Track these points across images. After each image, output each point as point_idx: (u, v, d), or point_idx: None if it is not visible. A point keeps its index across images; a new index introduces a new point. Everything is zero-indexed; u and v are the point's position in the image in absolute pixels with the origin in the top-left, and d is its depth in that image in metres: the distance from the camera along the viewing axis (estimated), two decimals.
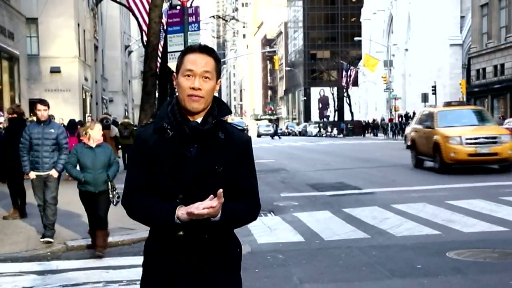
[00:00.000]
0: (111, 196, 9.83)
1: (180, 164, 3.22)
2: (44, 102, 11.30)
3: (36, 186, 11.22)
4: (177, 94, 3.37)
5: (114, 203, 9.74)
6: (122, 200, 3.39)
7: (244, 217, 3.38)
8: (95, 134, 9.96)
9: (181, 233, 3.21)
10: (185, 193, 3.21)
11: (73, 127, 22.25)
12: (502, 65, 57.51)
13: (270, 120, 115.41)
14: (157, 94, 23.48)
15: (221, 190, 3.11)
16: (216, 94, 3.40)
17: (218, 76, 3.34)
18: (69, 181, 15.71)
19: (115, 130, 26.39)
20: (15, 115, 13.87)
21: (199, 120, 3.28)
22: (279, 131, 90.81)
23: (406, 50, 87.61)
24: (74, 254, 10.35)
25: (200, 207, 3.10)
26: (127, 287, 8.05)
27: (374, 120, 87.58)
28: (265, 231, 11.90)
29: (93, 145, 9.94)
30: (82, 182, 9.86)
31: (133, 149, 3.44)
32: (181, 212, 3.15)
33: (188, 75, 3.23)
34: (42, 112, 11.06)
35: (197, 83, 3.21)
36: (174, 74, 3.36)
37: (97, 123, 10.62)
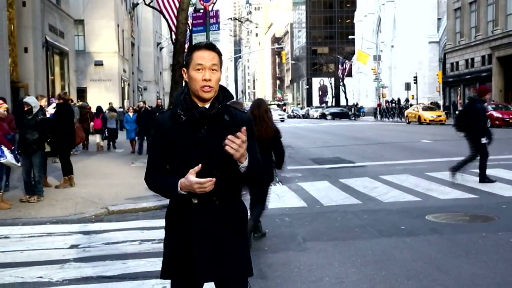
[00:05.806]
0: None
1: (193, 143, 3.16)
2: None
3: None
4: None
5: None
6: (144, 177, 3.36)
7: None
8: None
9: (195, 201, 3.15)
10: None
11: (98, 111, 25.05)
12: (472, 59, 57.26)
13: (278, 105, 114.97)
14: (183, 84, 23.48)
15: (244, 128, 3.05)
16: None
17: (221, 67, 3.30)
18: (108, 152, 15.43)
19: None
20: (61, 101, 13.93)
21: (207, 106, 3.22)
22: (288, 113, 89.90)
23: (392, 46, 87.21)
24: (114, 217, 10.34)
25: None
26: (158, 245, 8.03)
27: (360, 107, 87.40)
28: (274, 198, 11.81)
29: None
30: None
31: (153, 134, 3.40)
32: (184, 180, 3.08)
33: (199, 69, 3.17)
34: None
35: (208, 75, 3.15)
36: (184, 69, 3.29)
37: None
